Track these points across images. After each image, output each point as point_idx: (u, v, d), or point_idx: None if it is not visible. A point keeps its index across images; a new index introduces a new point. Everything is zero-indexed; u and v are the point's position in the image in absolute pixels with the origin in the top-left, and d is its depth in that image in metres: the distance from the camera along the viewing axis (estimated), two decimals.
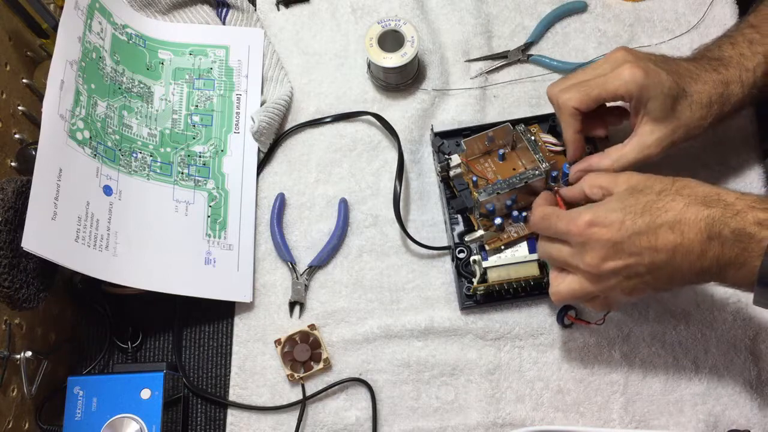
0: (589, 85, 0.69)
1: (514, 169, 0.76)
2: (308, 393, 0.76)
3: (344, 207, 0.81)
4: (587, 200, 0.67)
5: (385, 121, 0.83)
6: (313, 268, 0.80)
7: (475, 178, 0.75)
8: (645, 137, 0.69)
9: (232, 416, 0.77)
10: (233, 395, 0.78)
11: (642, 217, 0.60)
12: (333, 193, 0.83)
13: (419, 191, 0.82)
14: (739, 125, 0.82)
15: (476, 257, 0.74)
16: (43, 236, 0.66)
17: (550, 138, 0.78)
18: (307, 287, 0.80)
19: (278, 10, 0.90)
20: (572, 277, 0.65)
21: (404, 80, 0.84)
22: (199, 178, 0.81)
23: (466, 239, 0.76)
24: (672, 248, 0.59)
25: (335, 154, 0.84)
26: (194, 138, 0.83)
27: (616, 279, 0.62)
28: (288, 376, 0.76)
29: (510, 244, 0.75)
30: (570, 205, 0.69)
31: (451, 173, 0.77)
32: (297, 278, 0.79)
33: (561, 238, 0.65)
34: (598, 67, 0.70)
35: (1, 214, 0.65)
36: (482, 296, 0.77)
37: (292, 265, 0.80)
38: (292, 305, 0.79)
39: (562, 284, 0.66)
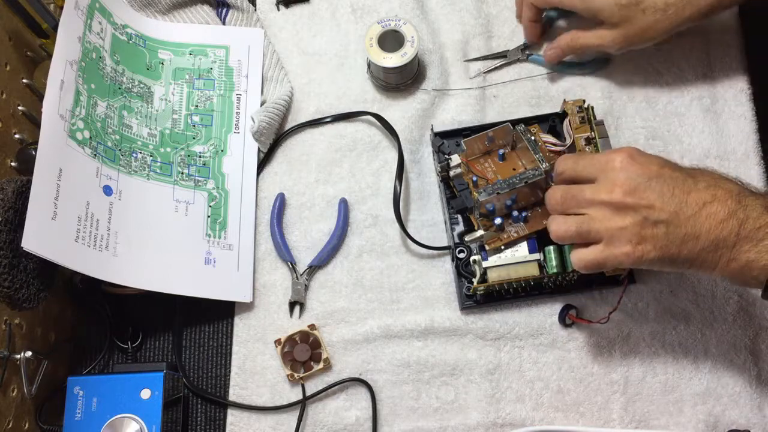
0: None
1: (514, 169, 0.76)
2: (308, 393, 0.76)
3: (344, 207, 0.81)
4: None
5: (385, 121, 0.83)
6: (313, 268, 0.80)
7: (475, 178, 0.75)
8: (602, 35, 0.77)
9: (232, 416, 0.77)
10: (233, 395, 0.78)
11: (681, 172, 0.62)
12: (333, 193, 0.83)
13: (419, 191, 0.82)
14: (740, 126, 0.82)
15: (476, 257, 0.74)
16: (43, 236, 0.66)
17: (550, 138, 0.78)
18: (307, 287, 0.80)
19: (278, 10, 0.90)
20: (579, 216, 0.64)
21: (404, 80, 0.84)
22: (199, 178, 0.82)
23: (466, 239, 0.76)
24: (701, 204, 0.59)
25: (335, 154, 0.84)
26: (194, 138, 0.83)
27: (634, 218, 0.61)
28: (288, 376, 0.76)
29: (510, 244, 0.75)
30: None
31: (451, 173, 0.77)
32: (297, 278, 0.79)
33: (591, 173, 0.64)
34: None
35: (1, 214, 0.65)
36: (482, 296, 0.77)
37: (292, 265, 0.80)
38: (292, 305, 0.79)
39: (569, 219, 0.64)
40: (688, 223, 0.60)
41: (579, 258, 0.64)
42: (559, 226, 0.65)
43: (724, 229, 0.59)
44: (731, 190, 0.60)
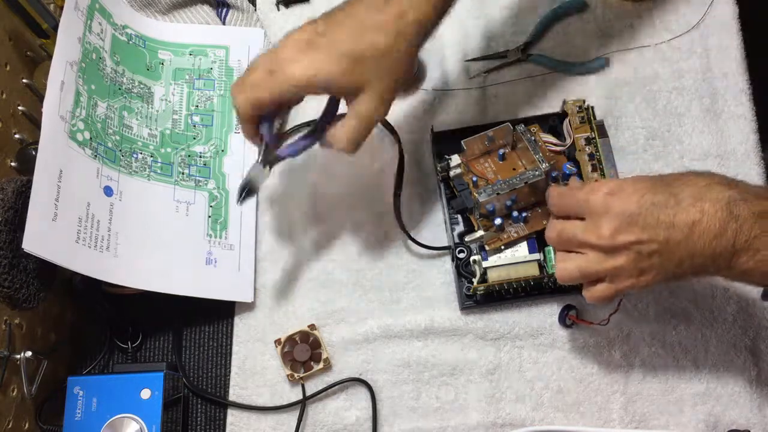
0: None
1: (514, 169, 0.76)
2: (308, 393, 0.76)
3: (334, 102, 0.71)
4: None
5: (385, 121, 0.82)
6: (282, 159, 0.70)
7: (475, 179, 0.75)
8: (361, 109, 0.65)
9: (232, 416, 0.77)
10: (233, 395, 0.78)
11: (662, 193, 0.59)
12: (333, 193, 0.83)
13: (419, 191, 0.82)
14: (740, 126, 0.82)
15: (476, 257, 0.74)
16: (44, 237, 0.66)
17: (550, 138, 0.78)
18: (266, 176, 0.70)
19: (278, 10, 0.90)
20: (580, 255, 0.64)
21: None
22: (200, 179, 0.82)
23: (466, 239, 0.76)
24: (690, 225, 0.58)
25: (335, 154, 0.84)
26: (195, 138, 0.83)
27: (627, 256, 0.60)
28: (288, 376, 0.76)
29: (510, 244, 0.75)
30: None
31: (451, 173, 0.77)
32: (259, 161, 0.69)
33: (577, 212, 0.64)
34: None
35: (1, 214, 0.65)
36: (482, 296, 0.77)
37: (266, 146, 0.69)
38: (242, 191, 0.70)
39: (569, 261, 0.65)
40: (680, 247, 0.59)
41: (591, 296, 0.65)
42: (562, 273, 0.66)
43: (718, 245, 0.58)
44: (719, 200, 0.58)
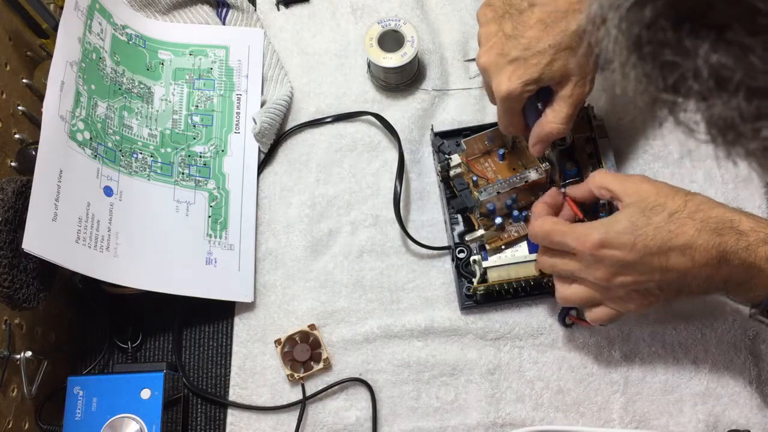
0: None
1: (514, 169, 0.76)
2: (308, 393, 0.76)
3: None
4: (596, 199, 0.67)
5: (385, 121, 0.83)
6: None
7: (475, 178, 0.75)
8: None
9: (232, 416, 0.77)
10: (233, 395, 0.78)
11: (653, 240, 0.60)
12: (333, 193, 0.83)
13: (419, 191, 0.82)
14: None
15: (476, 257, 0.74)
16: (44, 237, 0.66)
17: None
18: None
19: (278, 10, 0.90)
20: (579, 285, 0.65)
21: (404, 80, 0.84)
22: (200, 179, 0.82)
23: (466, 239, 0.76)
24: (682, 270, 0.60)
25: (335, 154, 0.84)
26: (195, 138, 0.83)
27: (625, 291, 0.63)
28: (288, 376, 0.76)
29: (510, 244, 0.75)
30: (580, 205, 0.69)
31: (451, 173, 0.77)
32: None
33: (567, 251, 0.65)
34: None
35: (1, 214, 0.65)
36: (482, 296, 0.77)
37: None
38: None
39: (569, 290, 0.66)
40: (674, 284, 0.61)
41: (593, 318, 0.67)
42: (563, 301, 0.68)
43: (711, 283, 0.61)
44: (708, 249, 0.59)
